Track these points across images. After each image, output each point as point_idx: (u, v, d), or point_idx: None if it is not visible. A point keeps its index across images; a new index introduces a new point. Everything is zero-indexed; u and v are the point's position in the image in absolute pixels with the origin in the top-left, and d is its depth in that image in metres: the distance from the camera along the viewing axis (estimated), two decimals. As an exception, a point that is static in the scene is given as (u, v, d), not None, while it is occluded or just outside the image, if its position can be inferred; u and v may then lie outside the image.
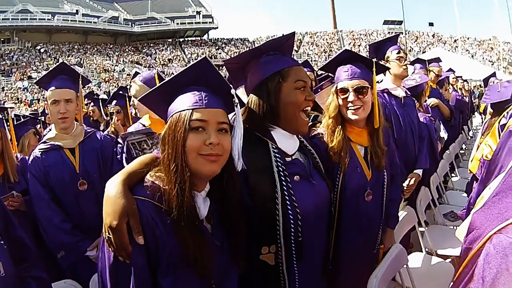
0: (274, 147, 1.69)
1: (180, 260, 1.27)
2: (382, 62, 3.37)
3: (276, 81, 1.68)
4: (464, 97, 8.10)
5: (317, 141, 2.15)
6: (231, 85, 1.45)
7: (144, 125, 3.15)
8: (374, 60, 2.27)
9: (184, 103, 1.33)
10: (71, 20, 50.18)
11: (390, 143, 2.44)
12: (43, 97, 26.35)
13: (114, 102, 4.76)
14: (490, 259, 0.77)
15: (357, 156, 2.16)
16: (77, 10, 51.19)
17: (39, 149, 2.73)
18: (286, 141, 1.73)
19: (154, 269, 1.25)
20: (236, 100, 1.41)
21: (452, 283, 0.96)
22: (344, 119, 2.18)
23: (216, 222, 1.44)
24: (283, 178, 1.64)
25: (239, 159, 1.44)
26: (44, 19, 47.93)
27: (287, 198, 1.61)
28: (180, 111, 1.32)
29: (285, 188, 1.62)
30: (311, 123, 3.32)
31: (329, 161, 2.05)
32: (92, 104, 6.10)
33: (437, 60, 6.32)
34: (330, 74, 3.47)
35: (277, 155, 1.67)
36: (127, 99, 4.58)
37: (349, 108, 2.13)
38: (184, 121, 1.28)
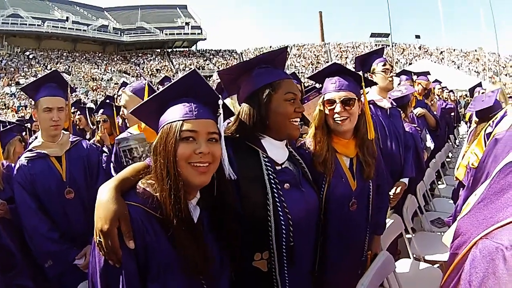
0: (265, 156, 1.74)
1: (174, 264, 1.29)
2: (368, 75, 3.45)
3: (267, 93, 1.74)
4: (449, 105, 8.25)
5: (303, 151, 2.18)
6: (219, 95, 1.49)
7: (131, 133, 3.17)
8: (361, 73, 2.33)
9: (175, 114, 1.37)
10: (60, 27, 49.99)
11: (377, 153, 2.47)
12: (31, 104, 25.97)
13: (101, 111, 4.72)
14: (476, 264, 0.78)
15: (342, 166, 2.19)
16: (67, 17, 51.04)
17: (25, 157, 2.70)
18: (276, 150, 1.79)
19: (144, 275, 1.26)
20: (220, 110, 1.45)
21: None
22: (330, 130, 2.21)
23: (206, 230, 1.45)
24: (274, 186, 1.69)
25: (228, 167, 1.48)
26: (34, 24, 47.65)
27: (279, 205, 1.66)
28: (171, 122, 1.36)
29: (276, 195, 1.67)
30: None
31: (314, 170, 2.08)
32: (78, 112, 6.04)
33: (426, 73, 6.43)
34: (316, 86, 3.54)
35: (268, 164, 1.72)
36: (114, 108, 4.55)
37: (336, 119, 2.16)
38: (174, 132, 1.32)
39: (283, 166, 1.80)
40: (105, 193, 1.27)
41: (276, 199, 1.67)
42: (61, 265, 2.65)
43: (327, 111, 2.20)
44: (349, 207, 2.15)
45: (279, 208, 1.66)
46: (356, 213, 2.18)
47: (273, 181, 1.69)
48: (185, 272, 1.31)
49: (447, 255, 3.07)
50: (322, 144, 2.15)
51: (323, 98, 2.24)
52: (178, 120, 1.35)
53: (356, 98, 2.19)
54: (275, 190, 1.68)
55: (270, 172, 1.71)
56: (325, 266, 2.06)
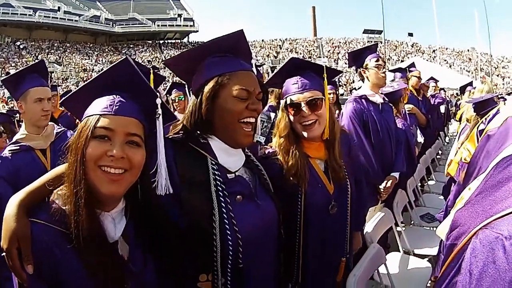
0: (214, 162, 1.49)
1: (87, 285, 1.14)
2: (361, 70, 3.48)
3: (211, 86, 1.48)
4: (438, 99, 8.35)
5: (270, 162, 1.94)
6: (157, 93, 1.32)
7: None
8: (325, 64, 2.15)
9: (95, 108, 1.21)
10: (52, 17, 49.47)
11: (351, 148, 2.36)
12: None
13: None
14: (476, 253, 0.80)
15: (317, 172, 2.02)
16: (59, 7, 50.41)
17: (9, 150, 2.63)
18: (228, 157, 1.54)
19: None
20: (159, 111, 1.29)
21: (437, 278, 1.01)
22: (298, 136, 2.02)
23: (134, 243, 1.28)
24: (222, 199, 1.44)
25: (164, 180, 1.33)
26: (26, 14, 47.05)
27: (226, 222, 1.42)
28: (89, 116, 1.20)
29: (224, 210, 1.43)
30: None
31: (287, 181, 1.92)
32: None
33: (413, 65, 6.66)
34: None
35: (216, 172, 1.47)
36: None
37: (303, 123, 1.97)
38: (88, 127, 1.16)
39: (236, 174, 1.55)
40: (9, 209, 1.14)
41: (224, 215, 1.42)
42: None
43: (291, 117, 2.01)
44: (329, 210, 2.00)
45: (226, 225, 1.41)
46: (336, 216, 2.04)
47: (221, 193, 1.44)
48: None
49: (436, 249, 3.14)
50: (292, 154, 1.95)
51: (285, 102, 2.03)
52: (95, 115, 1.18)
53: (323, 97, 1.99)
54: (222, 204, 1.43)
55: (219, 183, 1.46)
56: (306, 276, 1.98)
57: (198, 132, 1.53)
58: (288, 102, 2.00)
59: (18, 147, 2.63)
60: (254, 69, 1.62)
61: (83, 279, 1.13)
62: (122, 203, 1.27)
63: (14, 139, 2.72)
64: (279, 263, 1.68)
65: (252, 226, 1.48)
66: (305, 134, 1.98)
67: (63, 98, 1.34)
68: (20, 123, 5.25)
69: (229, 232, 1.41)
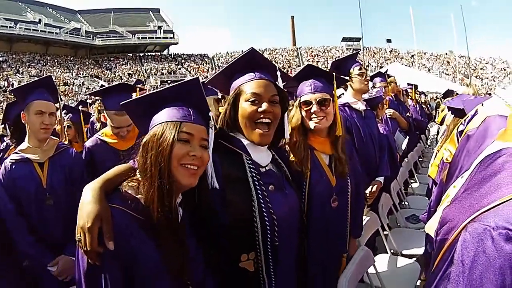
0: (248, 158, 1.77)
1: (160, 267, 1.30)
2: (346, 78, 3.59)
3: (232, 94, 1.83)
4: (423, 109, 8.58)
5: (282, 152, 2.19)
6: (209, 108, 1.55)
7: (102, 140, 3.19)
8: (334, 74, 2.42)
9: (172, 115, 1.41)
10: (33, 29, 48.70)
11: (352, 153, 2.58)
12: (1, 108, 25.13)
13: (69, 115, 4.49)
14: (467, 245, 0.85)
15: (321, 164, 2.29)
16: (39, 19, 49.69)
17: (11, 159, 2.70)
18: (258, 153, 1.82)
19: (129, 279, 1.26)
20: (212, 122, 1.51)
21: (431, 271, 1.07)
22: (307, 130, 2.32)
23: (189, 231, 1.48)
24: (259, 188, 1.72)
25: (212, 177, 1.55)
26: (6, 26, 46.22)
27: (263, 206, 1.70)
28: (168, 121, 1.39)
29: (261, 197, 1.71)
30: None
31: (294, 171, 2.13)
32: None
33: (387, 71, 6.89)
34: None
35: (252, 166, 1.76)
36: (81, 115, 4.39)
37: (312, 118, 2.27)
38: (172, 131, 1.36)
39: (267, 168, 1.84)
40: (89, 192, 1.28)
41: (261, 200, 1.70)
42: (36, 267, 2.67)
43: (303, 113, 2.31)
44: (331, 203, 2.24)
45: (263, 209, 1.70)
46: (337, 210, 2.27)
47: (257, 183, 1.73)
48: (171, 274, 1.32)
49: (423, 249, 3.21)
50: (299, 144, 2.24)
51: (299, 100, 2.35)
52: (177, 121, 1.39)
53: (331, 99, 2.31)
54: (259, 192, 1.72)
55: (254, 174, 1.74)
56: (308, 264, 2.12)
57: (231, 133, 1.83)
58: (302, 100, 2.32)
59: (19, 157, 2.70)
60: (279, 77, 1.93)
61: (157, 262, 1.29)
62: (180, 195, 1.48)
63: (17, 149, 2.79)
64: (302, 243, 1.96)
65: (283, 210, 1.77)
66: (312, 125, 2.28)
67: (125, 102, 1.50)
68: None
69: (266, 214, 1.69)
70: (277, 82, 1.89)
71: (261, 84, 1.79)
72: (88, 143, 3.24)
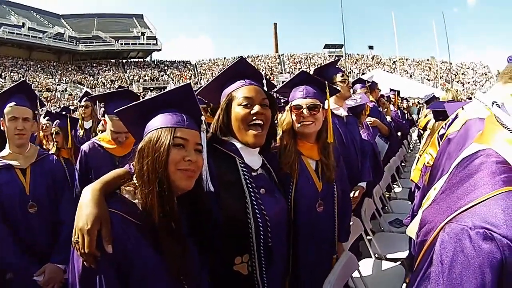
0: (241, 162, 1.85)
1: (157, 271, 1.31)
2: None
3: (225, 100, 1.92)
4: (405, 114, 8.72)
5: (270, 155, 2.24)
6: (201, 112, 1.58)
7: (98, 144, 3.16)
8: (327, 83, 2.47)
9: (166, 121, 1.44)
10: (16, 33, 47.93)
11: (340, 160, 2.61)
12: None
13: (56, 122, 4.39)
14: (445, 245, 0.87)
15: (308, 169, 2.32)
16: (23, 23, 48.93)
17: None
18: (250, 157, 1.90)
19: (125, 282, 1.26)
20: (204, 126, 1.53)
21: (411, 273, 1.08)
22: (296, 135, 2.36)
23: (187, 233, 1.50)
24: (252, 190, 1.80)
25: (207, 180, 1.58)
26: (-10, 30, 45.03)
27: (256, 208, 1.77)
28: (163, 127, 1.42)
29: (254, 199, 1.78)
30: None
31: (281, 173, 2.18)
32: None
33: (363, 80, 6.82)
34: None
35: (245, 169, 1.84)
36: (68, 120, 4.30)
37: (302, 122, 2.32)
38: (167, 137, 1.39)
39: (258, 172, 1.93)
40: (89, 194, 1.28)
41: (254, 202, 1.77)
42: (21, 278, 2.59)
43: (294, 117, 2.36)
44: (316, 208, 2.28)
45: (257, 211, 1.77)
46: (323, 215, 2.31)
47: (250, 186, 1.80)
48: (169, 276, 1.33)
49: (407, 252, 3.24)
50: (289, 147, 2.29)
51: (291, 104, 2.41)
52: (171, 127, 1.42)
53: (321, 105, 2.37)
54: (252, 194, 1.79)
55: (247, 177, 1.82)
56: (298, 266, 2.20)
57: (224, 137, 1.90)
58: (293, 104, 2.38)
59: (1, 164, 2.65)
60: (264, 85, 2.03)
61: (155, 264, 1.31)
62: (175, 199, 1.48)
63: None
64: (289, 245, 2.09)
65: (274, 212, 1.85)
66: (302, 129, 2.34)
67: (120, 109, 1.51)
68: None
69: (259, 216, 1.77)
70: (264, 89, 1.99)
71: (251, 89, 1.91)
72: (85, 147, 3.21)
